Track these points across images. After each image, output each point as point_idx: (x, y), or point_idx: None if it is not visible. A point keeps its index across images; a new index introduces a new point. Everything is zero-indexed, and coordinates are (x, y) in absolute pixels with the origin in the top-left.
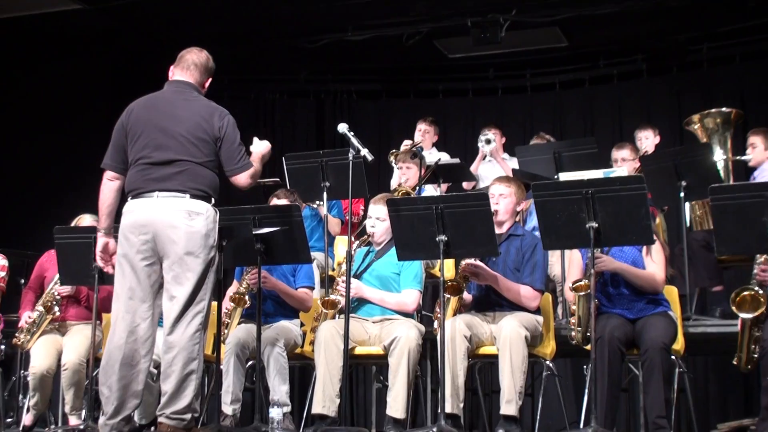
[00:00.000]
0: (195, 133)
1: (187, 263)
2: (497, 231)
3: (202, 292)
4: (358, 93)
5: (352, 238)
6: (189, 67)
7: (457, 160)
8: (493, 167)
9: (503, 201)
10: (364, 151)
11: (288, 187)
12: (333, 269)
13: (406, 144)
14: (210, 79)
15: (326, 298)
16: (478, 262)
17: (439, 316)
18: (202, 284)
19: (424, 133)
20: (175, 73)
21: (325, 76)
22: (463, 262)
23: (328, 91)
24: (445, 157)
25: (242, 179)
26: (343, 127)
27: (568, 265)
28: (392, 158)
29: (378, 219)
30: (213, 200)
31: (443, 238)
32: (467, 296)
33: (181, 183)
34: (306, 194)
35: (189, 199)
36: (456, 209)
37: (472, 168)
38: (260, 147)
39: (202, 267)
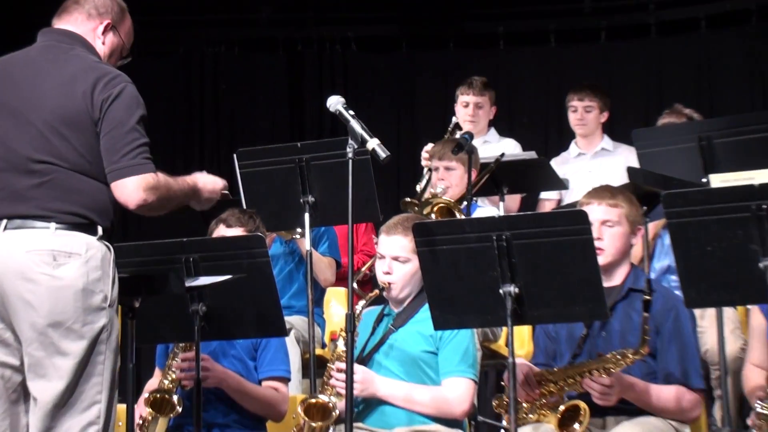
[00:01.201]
0: (64, 115)
1: (54, 342)
2: (605, 282)
3: (88, 390)
4: (360, 41)
5: (354, 286)
6: (69, 6)
7: (532, 154)
8: (585, 164)
9: (608, 233)
10: (373, 143)
11: (243, 206)
12: (323, 346)
13: (454, 120)
14: (109, 24)
15: (312, 401)
16: (614, 378)
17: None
18: (86, 377)
19: (474, 108)
20: (54, 21)
21: (303, 14)
22: (591, 383)
23: (308, 40)
24: (511, 148)
25: (128, 190)
26: (335, 102)
27: (730, 331)
28: (427, 160)
29: (397, 259)
30: (101, 230)
31: (512, 289)
32: None
33: (41, 204)
34: (274, 218)
35: (54, 231)
36: (533, 240)
37: (557, 165)
38: (204, 179)
39: (84, 348)
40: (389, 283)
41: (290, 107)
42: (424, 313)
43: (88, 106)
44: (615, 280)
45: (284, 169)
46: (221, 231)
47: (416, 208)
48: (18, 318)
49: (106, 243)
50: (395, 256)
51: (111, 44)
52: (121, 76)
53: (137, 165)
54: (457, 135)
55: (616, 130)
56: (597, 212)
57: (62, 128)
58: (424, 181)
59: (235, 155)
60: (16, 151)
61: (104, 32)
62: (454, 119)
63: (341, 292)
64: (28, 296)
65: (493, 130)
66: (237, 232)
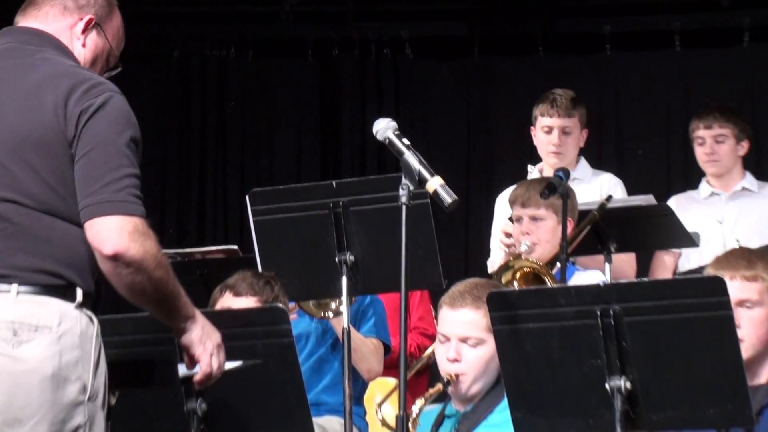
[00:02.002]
0: (28, 135)
1: None
2: (749, 380)
3: None
4: (416, 43)
5: (406, 374)
6: (38, 1)
7: (649, 198)
8: (718, 210)
9: (748, 318)
10: (435, 183)
11: (257, 267)
12: None
13: (531, 170)
14: (91, 21)
15: None
16: None
17: None
18: None
19: (559, 134)
20: (18, 19)
21: (341, 6)
22: None
23: (346, 41)
24: (612, 187)
25: (105, 232)
26: (384, 127)
27: None
28: (509, 205)
29: (466, 341)
30: (80, 294)
31: (622, 384)
32: None
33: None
34: (300, 283)
35: (16, 297)
36: (651, 317)
37: (677, 207)
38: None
39: None
40: (456, 375)
41: (322, 132)
42: (501, 414)
43: (60, 121)
44: (760, 378)
45: (314, 217)
46: (227, 301)
47: (494, 277)
48: None
49: (88, 312)
50: (464, 336)
51: (94, 47)
52: (105, 84)
53: (122, 202)
54: (539, 170)
55: (763, 165)
56: (730, 289)
57: (26, 153)
58: (496, 233)
59: (247, 197)
60: None
61: (85, 31)
62: (530, 170)
63: (389, 384)
64: None
65: (584, 163)
66: (249, 302)
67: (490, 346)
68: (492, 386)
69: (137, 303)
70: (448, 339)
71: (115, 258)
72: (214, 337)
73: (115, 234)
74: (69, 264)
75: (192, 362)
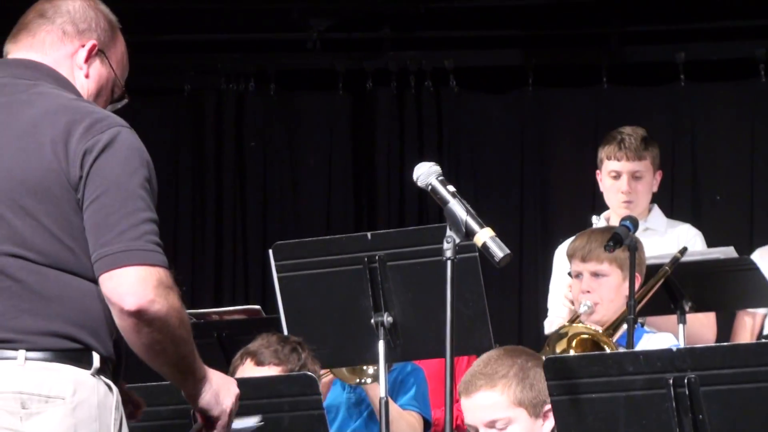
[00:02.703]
0: (25, 180)
1: None
2: None
3: None
4: (462, 74)
5: None
6: (30, 23)
7: (729, 251)
8: None
9: None
10: (485, 235)
11: (284, 331)
12: None
13: (596, 221)
14: (94, 47)
15: None
16: None
17: None
18: None
19: (629, 179)
20: (9, 47)
21: (375, 32)
22: None
23: (382, 72)
24: (690, 239)
25: (126, 284)
26: (427, 172)
27: None
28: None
29: (493, 426)
30: (97, 359)
31: None
32: None
33: (1, 323)
34: (332, 349)
35: (24, 364)
36: (731, 386)
37: (760, 259)
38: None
39: None
40: None
41: (355, 176)
42: None
43: (62, 162)
44: None
45: (346, 273)
46: (249, 371)
47: (547, 346)
48: None
49: (107, 380)
50: (489, 422)
51: (98, 77)
52: (111, 117)
53: (142, 251)
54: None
55: None
56: None
57: (24, 200)
58: (554, 291)
59: (270, 251)
60: None
61: (88, 59)
62: (595, 221)
63: None
64: None
65: (658, 212)
66: (272, 372)
67: (521, 424)
68: None
69: (153, 364)
70: (476, 430)
71: (138, 314)
72: (232, 389)
73: (139, 287)
74: (83, 325)
75: (210, 426)
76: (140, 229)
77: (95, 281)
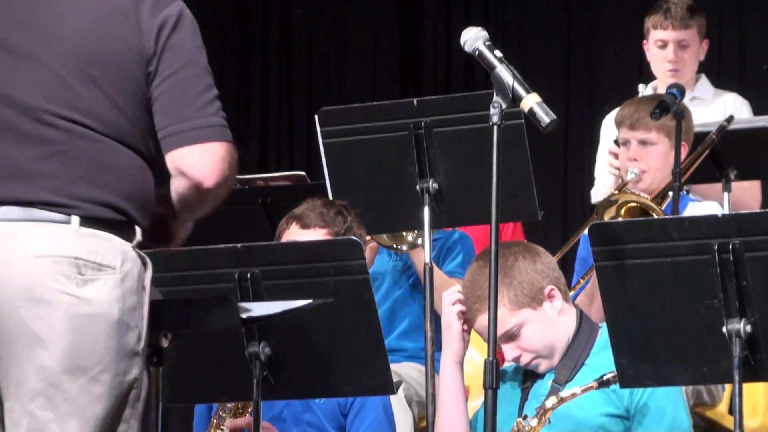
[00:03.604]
0: (94, 49)
1: (71, 398)
2: None
3: None
4: None
5: (495, 317)
6: None
7: None
8: None
9: None
10: (531, 100)
11: (328, 196)
12: None
13: (642, 90)
14: None
15: None
16: None
17: None
18: None
19: (675, 48)
20: None
21: None
22: None
23: None
24: (737, 108)
25: (211, 159)
26: (474, 37)
27: None
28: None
29: (509, 335)
30: (139, 232)
31: (741, 328)
32: None
33: (56, 185)
34: (377, 214)
35: (78, 230)
36: None
37: None
38: None
39: (107, 410)
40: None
41: (401, 43)
42: (599, 356)
43: (134, 34)
44: None
45: (392, 140)
46: (294, 233)
47: (595, 213)
48: (15, 359)
49: (142, 253)
50: (501, 335)
51: None
52: None
53: (221, 127)
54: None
55: None
56: None
57: (92, 70)
58: (600, 160)
59: (316, 117)
60: (18, 104)
61: None
62: (642, 89)
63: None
64: (37, 326)
65: (705, 81)
66: (318, 235)
67: (531, 322)
68: (577, 330)
69: (181, 215)
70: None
71: (213, 190)
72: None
73: (222, 164)
74: (132, 198)
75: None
76: (215, 104)
77: (148, 156)
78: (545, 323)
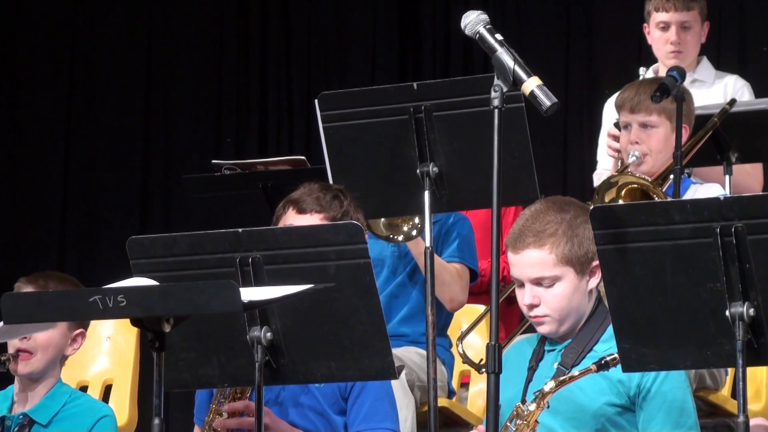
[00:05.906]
0: None
1: None
2: None
3: None
4: None
5: (497, 301)
6: None
7: None
8: None
9: None
10: (532, 83)
11: (329, 181)
12: (450, 395)
13: (643, 73)
14: None
15: None
16: None
17: None
18: None
19: (677, 30)
20: None
21: None
22: None
23: None
24: (738, 90)
25: None
26: (475, 21)
27: None
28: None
29: (540, 282)
30: None
31: (744, 311)
32: None
33: None
34: (377, 199)
35: None
36: None
37: None
38: None
39: None
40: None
41: (400, 26)
42: (609, 344)
43: None
44: None
45: (392, 124)
46: (291, 218)
47: (596, 195)
48: None
49: None
50: (535, 279)
51: None
52: None
53: None
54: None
55: None
56: None
57: None
58: (603, 144)
59: (315, 101)
60: None
61: None
62: (642, 72)
63: (477, 312)
64: None
65: (706, 63)
66: (314, 220)
67: (567, 281)
68: (591, 314)
69: None
70: (522, 283)
71: None
72: None
73: None
74: None
75: None
76: None
77: None
78: (577, 292)
